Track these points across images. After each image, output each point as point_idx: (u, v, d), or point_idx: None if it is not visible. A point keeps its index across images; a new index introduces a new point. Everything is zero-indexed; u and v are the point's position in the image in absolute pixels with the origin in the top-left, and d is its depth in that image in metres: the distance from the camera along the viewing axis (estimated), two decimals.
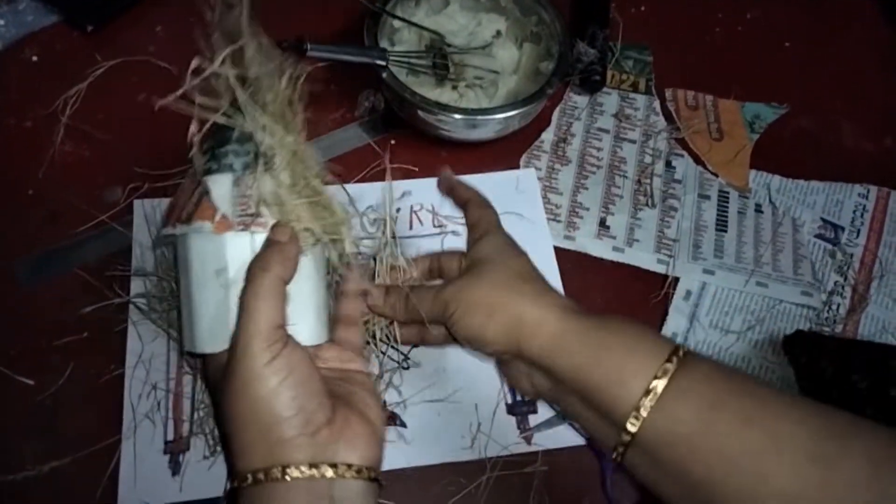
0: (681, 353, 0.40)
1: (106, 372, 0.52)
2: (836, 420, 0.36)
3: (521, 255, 0.48)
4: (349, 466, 0.38)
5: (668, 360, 0.39)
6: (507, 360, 0.47)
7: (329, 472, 0.37)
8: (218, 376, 0.40)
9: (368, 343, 0.52)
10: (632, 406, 0.38)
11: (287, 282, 0.40)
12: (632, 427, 0.38)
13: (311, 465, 0.37)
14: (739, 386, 0.38)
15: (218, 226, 0.39)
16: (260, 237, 0.40)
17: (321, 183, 0.43)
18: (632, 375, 0.39)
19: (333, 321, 0.47)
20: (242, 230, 0.40)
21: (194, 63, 0.39)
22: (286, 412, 0.37)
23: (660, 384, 0.38)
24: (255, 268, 0.39)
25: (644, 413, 0.38)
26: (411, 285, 0.50)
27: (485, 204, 0.53)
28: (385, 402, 0.53)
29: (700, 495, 0.37)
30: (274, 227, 0.41)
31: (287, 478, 0.36)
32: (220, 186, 0.40)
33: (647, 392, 0.38)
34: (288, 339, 0.39)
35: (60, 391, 0.52)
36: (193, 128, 0.40)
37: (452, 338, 0.48)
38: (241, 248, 0.40)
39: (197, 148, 0.41)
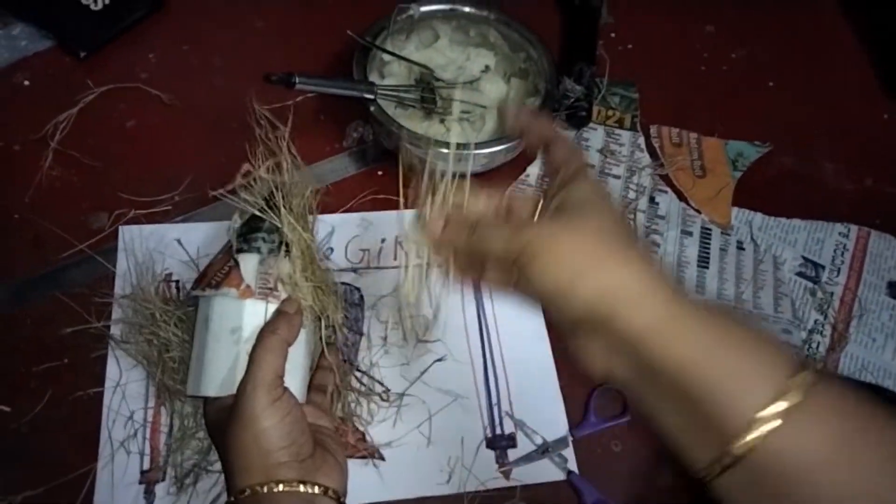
0: (811, 367, 0.33)
1: (84, 399, 0.52)
2: None
3: (619, 208, 0.43)
4: (327, 488, 0.45)
5: (799, 372, 0.33)
6: (585, 331, 0.38)
7: (313, 489, 0.44)
8: (220, 416, 0.46)
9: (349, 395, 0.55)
10: (749, 419, 0.32)
11: (290, 344, 0.47)
12: (743, 444, 0.32)
13: (299, 482, 0.44)
14: (878, 411, 0.33)
15: (242, 293, 0.48)
16: (273, 307, 0.49)
17: (323, 271, 0.53)
18: (756, 383, 0.33)
19: (309, 388, 0.52)
20: (261, 299, 0.48)
21: (244, 168, 0.52)
22: (282, 443, 0.44)
23: (789, 400, 0.32)
24: (267, 330, 0.47)
25: (765, 430, 0.32)
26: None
27: (573, 144, 0.48)
28: (364, 435, 0.53)
29: None
30: (285, 300, 0.49)
31: (279, 488, 0.43)
32: (249, 263, 0.49)
33: (773, 406, 0.32)
34: (286, 388, 0.46)
35: (37, 418, 0.52)
36: (236, 216, 0.52)
37: (516, 286, 0.40)
38: (256, 313, 0.48)
39: (234, 232, 0.51)
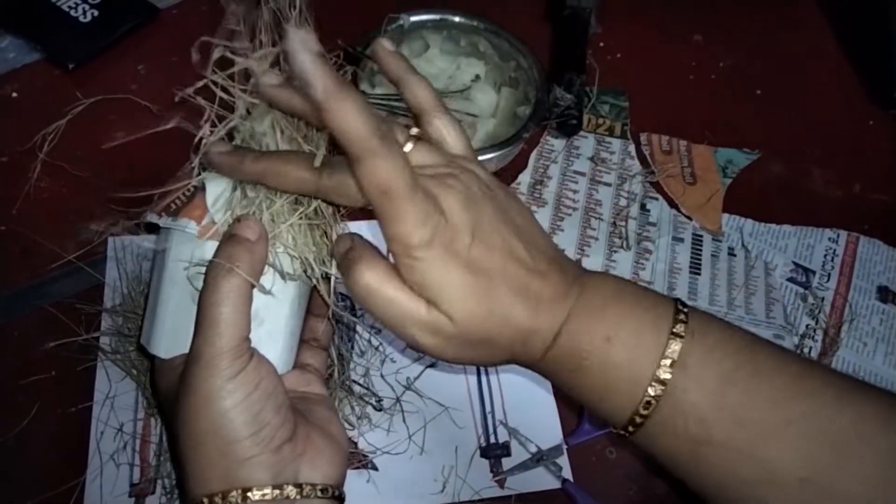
0: (682, 314, 0.36)
1: (72, 412, 0.51)
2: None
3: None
4: (313, 486, 0.36)
5: (675, 325, 0.35)
6: None
7: (293, 493, 0.35)
8: (170, 386, 0.37)
9: (338, 393, 0.52)
10: (644, 381, 0.35)
11: (254, 285, 0.36)
12: (644, 411, 0.35)
13: (274, 487, 0.34)
14: (755, 348, 0.36)
15: (202, 230, 0.37)
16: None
17: (330, 210, 0.40)
18: (645, 347, 0.35)
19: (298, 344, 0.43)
20: None
21: (216, 53, 0.36)
22: (249, 428, 0.34)
23: (673, 355, 0.34)
24: (220, 269, 0.35)
25: (658, 390, 0.34)
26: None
27: (426, 84, 0.40)
28: (356, 445, 0.53)
29: (715, 479, 0.36)
30: (238, 220, 0.36)
31: (248, 502, 0.34)
32: (216, 187, 0.38)
33: (662, 363, 0.35)
34: (253, 352, 0.36)
35: (24, 431, 0.51)
36: (205, 127, 0.38)
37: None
38: None
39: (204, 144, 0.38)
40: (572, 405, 0.56)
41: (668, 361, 0.34)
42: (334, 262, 0.38)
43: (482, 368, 0.57)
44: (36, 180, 0.63)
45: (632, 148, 0.73)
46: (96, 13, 0.73)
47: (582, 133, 0.73)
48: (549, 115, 0.70)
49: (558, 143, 0.72)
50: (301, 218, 0.38)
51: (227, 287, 0.35)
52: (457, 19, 0.71)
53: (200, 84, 0.36)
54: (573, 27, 0.77)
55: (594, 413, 0.40)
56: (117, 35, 0.73)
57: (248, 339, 0.36)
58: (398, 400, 0.55)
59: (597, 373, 0.36)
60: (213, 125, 0.38)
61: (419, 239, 0.33)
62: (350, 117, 0.30)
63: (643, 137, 0.74)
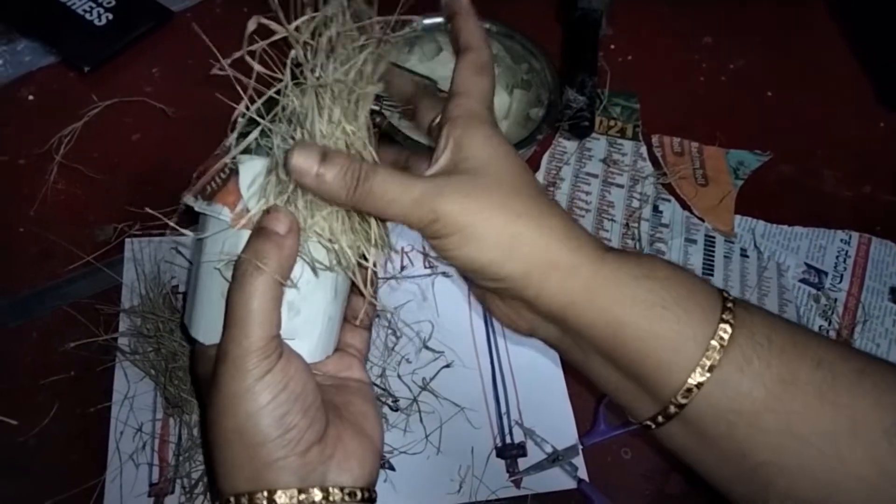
0: (731, 305, 0.34)
1: (91, 411, 0.52)
2: None
3: (524, 163, 0.37)
4: (341, 489, 0.35)
5: (724, 320, 0.33)
6: (504, 299, 0.38)
7: (318, 496, 0.34)
8: (206, 375, 0.37)
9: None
10: (684, 375, 0.33)
11: (284, 280, 0.35)
12: (683, 400, 0.33)
13: (300, 490, 0.34)
14: (807, 352, 0.33)
15: (235, 218, 0.35)
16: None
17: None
18: (688, 339, 0.33)
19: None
20: None
21: (253, 23, 0.33)
22: (275, 431, 0.33)
23: (718, 352, 0.33)
24: (248, 265, 0.34)
25: (699, 384, 0.33)
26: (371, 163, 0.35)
27: (485, 67, 0.38)
28: None
29: (758, 478, 0.33)
30: (268, 212, 0.35)
31: (275, 500, 0.33)
32: (250, 171, 0.36)
33: (705, 361, 0.33)
34: (283, 350, 0.35)
35: (44, 431, 0.51)
36: (244, 104, 0.35)
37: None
38: None
39: (240, 124, 0.36)
40: (587, 405, 0.57)
41: (707, 364, 0.33)
42: (372, 250, 0.37)
43: (496, 368, 0.57)
44: (53, 182, 0.63)
45: (643, 150, 0.73)
46: (111, 16, 0.73)
47: (594, 135, 0.73)
48: (562, 117, 0.70)
49: (570, 145, 0.73)
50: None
51: (254, 285, 0.34)
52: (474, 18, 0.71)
53: (237, 55, 0.34)
54: (584, 29, 0.77)
55: (611, 395, 0.38)
56: (132, 38, 0.73)
57: (276, 338, 0.35)
58: (415, 400, 0.55)
59: (635, 345, 0.34)
60: (252, 101, 0.35)
61: None
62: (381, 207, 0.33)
63: (655, 139, 0.74)
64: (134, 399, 0.52)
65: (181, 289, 0.58)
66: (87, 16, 0.73)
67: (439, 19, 0.71)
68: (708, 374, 0.33)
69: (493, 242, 0.34)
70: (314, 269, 0.37)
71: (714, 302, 0.34)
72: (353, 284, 0.40)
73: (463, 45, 0.39)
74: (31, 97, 0.69)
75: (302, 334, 0.37)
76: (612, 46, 0.81)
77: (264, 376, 0.34)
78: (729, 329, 0.33)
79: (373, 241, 0.38)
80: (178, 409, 0.52)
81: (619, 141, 0.74)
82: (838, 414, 0.32)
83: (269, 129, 0.36)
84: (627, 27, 0.82)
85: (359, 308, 0.42)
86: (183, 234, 0.54)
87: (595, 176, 0.71)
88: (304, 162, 0.33)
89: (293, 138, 0.36)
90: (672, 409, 0.34)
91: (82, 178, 0.64)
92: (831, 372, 0.33)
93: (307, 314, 0.37)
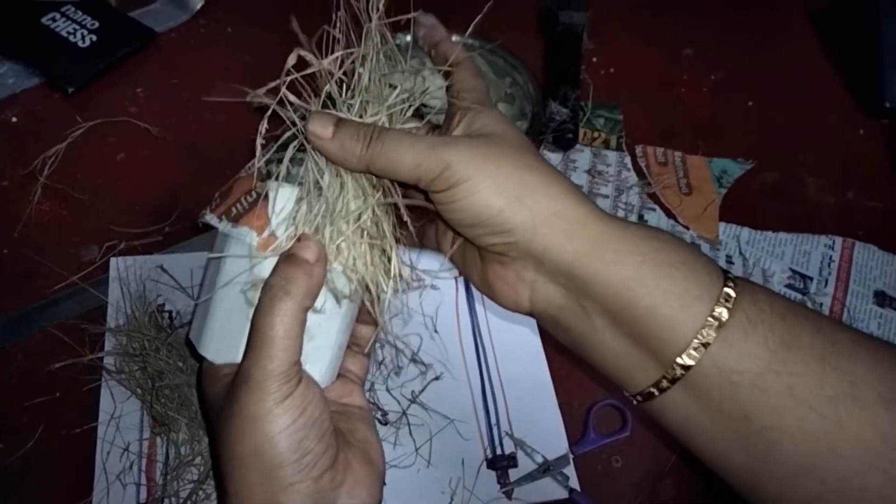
0: (730, 275, 0.34)
1: (77, 432, 0.51)
2: None
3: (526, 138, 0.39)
4: None
5: (727, 285, 0.33)
6: (505, 261, 0.37)
7: None
8: (216, 395, 0.37)
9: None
10: (690, 335, 0.33)
11: (309, 309, 0.36)
12: (690, 360, 0.33)
13: None
14: (806, 320, 0.34)
15: (262, 243, 0.36)
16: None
17: (391, 228, 0.39)
18: (694, 298, 0.33)
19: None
20: None
21: (293, 58, 0.35)
22: (292, 455, 0.34)
23: (725, 312, 0.33)
24: (278, 290, 0.34)
25: (705, 343, 0.32)
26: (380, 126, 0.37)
27: (479, 72, 0.42)
28: None
29: (760, 443, 0.33)
30: (299, 240, 0.36)
31: None
32: (283, 198, 0.36)
33: (711, 320, 0.33)
34: (303, 376, 0.36)
35: (30, 453, 0.51)
36: (263, 127, 0.36)
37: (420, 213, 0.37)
38: None
39: (263, 145, 0.37)
40: (577, 414, 0.57)
41: (713, 323, 0.32)
42: (391, 281, 0.38)
43: (485, 379, 0.57)
44: (37, 203, 0.63)
45: (628, 160, 0.74)
46: (94, 38, 0.74)
47: (578, 146, 0.74)
48: (546, 129, 0.71)
49: (555, 157, 0.73)
50: (362, 236, 0.37)
51: (283, 310, 0.34)
52: (453, 38, 0.72)
53: (272, 85, 0.36)
54: (566, 43, 0.78)
55: (609, 369, 0.37)
56: (116, 59, 0.74)
57: (298, 364, 0.35)
58: (404, 413, 0.55)
59: (644, 301, 0.34)
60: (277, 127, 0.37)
61: None
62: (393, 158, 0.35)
63: (639, 150, 0.75)
64: (120, 419, 0.52)
65: (167, 307, 0.57)
66: (71, 37, 0.74)
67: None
68: (714, 334, 0.32)
69: (502, 190, 0.35)
70: (337, 298, 0.37)
71: (715, 269, 0.34)
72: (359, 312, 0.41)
73: (455, 61, 0.42)
74: (14, 119, 0.69)
75: (313, 360, 0.37)
76: (594, 59, 0.82)
77: (284, 400, 0.34)
78: (733, 293, 0.33)
79: (392, 275, 0.39)
80: (165, 428, 0.51)
81: (604, 152, 0.74)
82: (839, 379, 0.32)
83: (301, 160, 0.37)
84: (609, 40, 0.83)
85: (365, 336, 0.43)
86: (171, 253, 0.54)
87: (580, 187, 0.71)
88: (320, 126, 0.35)
89: (321, 171, 0.37)
90: (678, 371, 0.33)
91: (67, 199, 0.64)
92: (830, 339, 0.33)
93: (320, 341, 0.37)
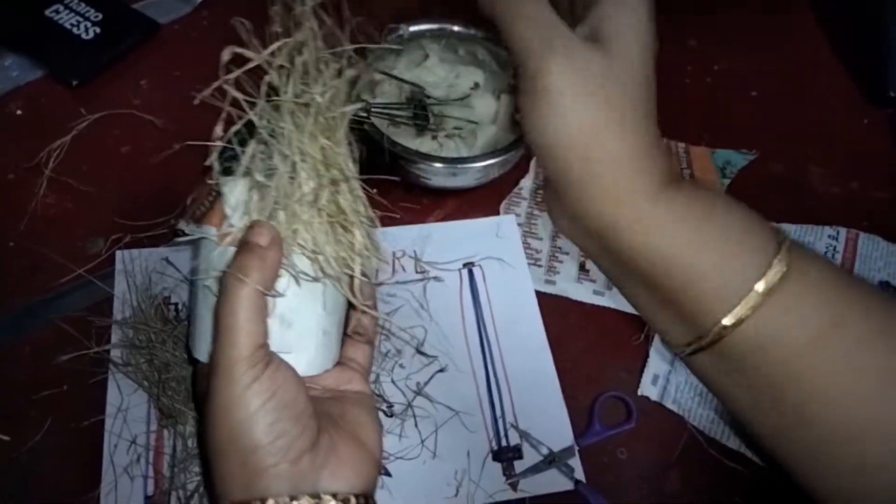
0: (787, 243, 0.32)
1: (85, 425, 0.52)
2: None
3: (653, 73, 0.37)
4: (333, 496, 0.35)
5: (777, 262, 0.31)
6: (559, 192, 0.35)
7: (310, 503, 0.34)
8: (203, 392, 0.37)
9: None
10: (728, 303, 0.31)
11: (268, 290, 0.36)
12: (720, 328, 0.32)
13: (291, 498, 0.34)
14: (860, 298, 0.32)
15: (220, 236, 0.37)
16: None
17: (357, 202, 0.39)
18: (736, 270, 0.32)
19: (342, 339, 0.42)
20: None
21: (227, 53, 0.36)
22: (265, 438, 0.34)
23: (767, 284, 0.31)
24: (230, 278, 0.35)
25: (742, 313, 0.31)
26: None
27: None
28: None
29: (791, 417, 0.32)
30: (251, 227, 0.37)
31: None
32: (233, 192, 0.37)
33: (752, 290, 0.31)
34: (271, 358, 0.36)
35: (37, 446, 0.51)
36: (219, 127, 0.37)
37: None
38: None
39: (218, 147, 0.38)
40: (582, 406, 0.57)
41: (761, 286, 0.31)
42: (357, 259, 0.38)
43: (490, 371, 0.57)
44: (42, 196, 0.63)
45: None
46: (98, 30, 0.74)
47: None
48: None
49: None
50: (321, 216, 0.37)
51: (238, 297, 0.35)
52: (455, 28, 0.72)
53: (216, 85, 0.36)
54: None
55: (653, 322, 0.36)
56: (119, 51, 0.73)
57: (263, 347, 0.35)
58: (409, 405, 0.55)
59: (680, 279, 0.33)
60: (229, 123, 0.38)
61: None
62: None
63: None
64: (127, 411, 0.52)
65: (173, 299, 0.58)
66: (75, 30, 0.73)
67: (425, 26, 0.71)
68: (749, 313, 0.31)
69: (586, 116, 0.33)
70: (297, 279, 0.38)
71: (769, 243, 0.32)
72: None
73: None
74: (19, 112, 0.69)
75: (298, 347, 0.37)
76: None
77: (252, 384, 0.34)
78: (780, 272, 0.31)
79: (357, 251, 0.39)
80: (172, 420, 0.51)
81: None
82: (888, 360, 0.31)
83: (242, 152, 0.38)
84: None
85: (366, 324, 0.42)
86: (176, 246, 0.55)
87: None
88: None
89: (271, 157, 0.38)
90: (710, 336, 0.32)
91: (72, 192, 0.64)
92: (883, 323, 0.32)
93: (300, 328, 0.38)
